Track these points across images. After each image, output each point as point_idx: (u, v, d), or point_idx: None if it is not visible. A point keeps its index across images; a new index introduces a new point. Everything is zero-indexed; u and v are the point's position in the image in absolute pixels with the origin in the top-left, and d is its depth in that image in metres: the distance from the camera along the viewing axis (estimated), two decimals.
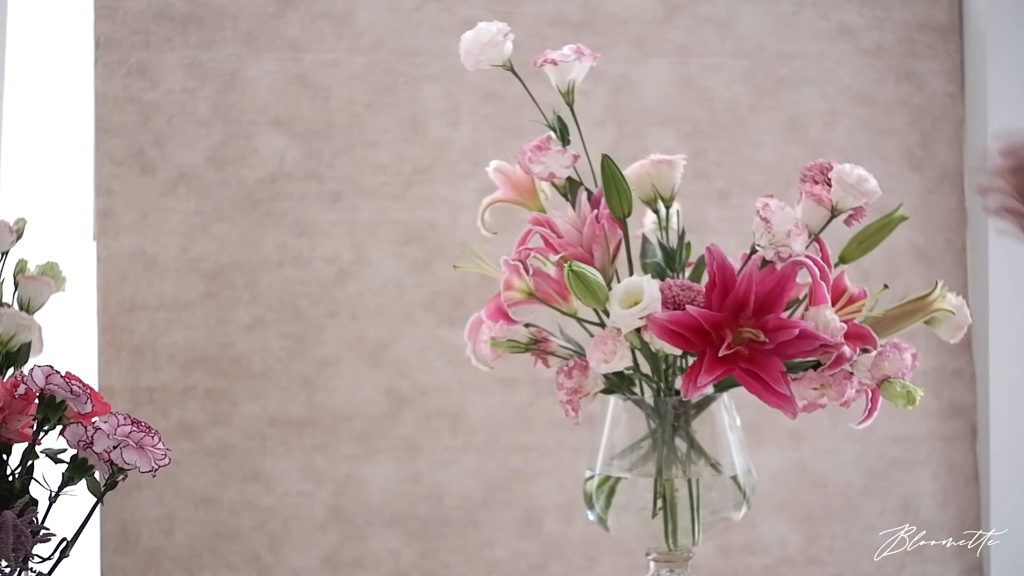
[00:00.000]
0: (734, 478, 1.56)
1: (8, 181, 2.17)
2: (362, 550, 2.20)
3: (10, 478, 1.30)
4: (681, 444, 1.55)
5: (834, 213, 1.50)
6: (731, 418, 1.57)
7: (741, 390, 1.49)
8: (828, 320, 1.44)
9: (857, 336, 1.47)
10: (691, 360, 1.47)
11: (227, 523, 2.18)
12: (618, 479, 1.55)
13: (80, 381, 1.29)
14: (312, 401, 2.19)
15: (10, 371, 1.37)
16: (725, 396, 1.56)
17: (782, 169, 2.25)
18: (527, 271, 1.51)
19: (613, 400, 1.58)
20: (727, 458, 1.56)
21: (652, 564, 1.57)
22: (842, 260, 1.55)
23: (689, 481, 1.54)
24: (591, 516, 1.58)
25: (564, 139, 1.57)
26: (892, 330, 1.53)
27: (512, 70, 1.57)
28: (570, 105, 1.59)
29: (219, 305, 2.19)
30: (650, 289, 1.44)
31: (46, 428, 1.29)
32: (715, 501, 1.55)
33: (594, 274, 1.47)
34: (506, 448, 2.20)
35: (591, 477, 1.58)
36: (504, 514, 2.21)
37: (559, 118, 1.57)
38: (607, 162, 1.50)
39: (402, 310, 2.20)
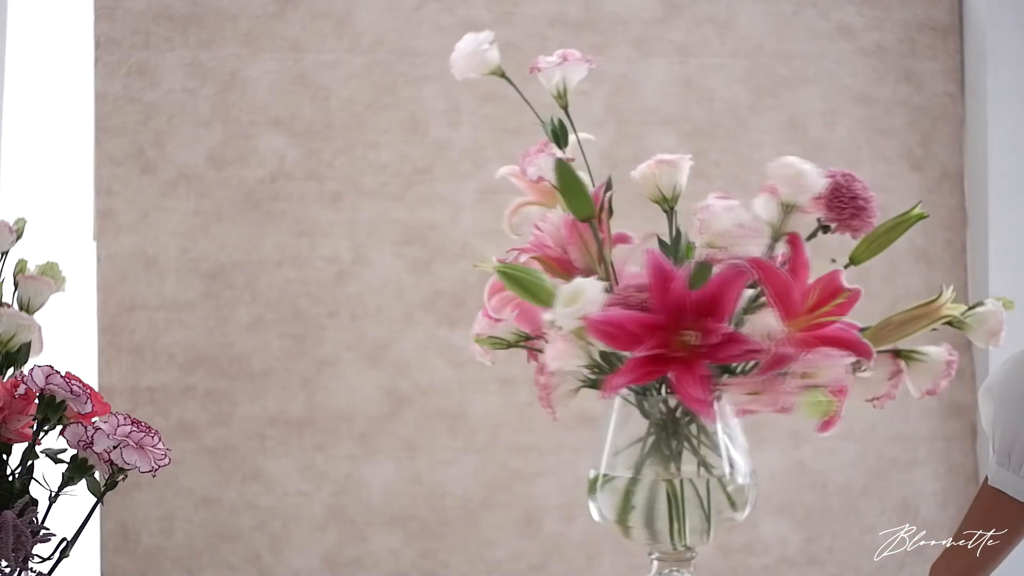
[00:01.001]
0: (737, 477, 1.56)
1: (8, 181, 2.17)
2: (362, 550, 2.20)
3: (10, 478, 1.30)
4: (685, 443, 1.55)
5: (785, 208, 1.47)
6: (732, 417, 1.57)
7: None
8: (766, 324, 1.41)
9: (837, 341, 1.43)
10: None
11: (227, 523, 2.18)
12: (621, 478, 1.55)
13: (80, 381, 1.29)
14: (312, 401, 2.19)
15: (10, 371, 1.37)
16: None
17: None
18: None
19: (617, 399, 1.57)
20: (729, 458, 1.55)
21: (655, 563, 1.57)
22: (852, 262, 1.53)
23: (685, 481, 1.54)
24: (595, 515, 1.58)
25: (560, 141, 1.56)
26: (896, 336, 1.51)
27: (504, 76, 1.56)
28: (564, 108, 1.58)
29: (219, 305, 2.19)
30: (591, 289, 1.44)
31: (46, 428, 1.29)
32: (717, 501, 1.55)
33: (532, 275, 1.46)
34: (506, 448, 2.20)
35: (595, 475, 1.58)
36: (504, 514, 2.21)
37: (559, 120, 1.56)
38: (560, 166, 1.49)
39: (402, 310, 2.20)
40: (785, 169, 1.45)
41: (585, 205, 1.50)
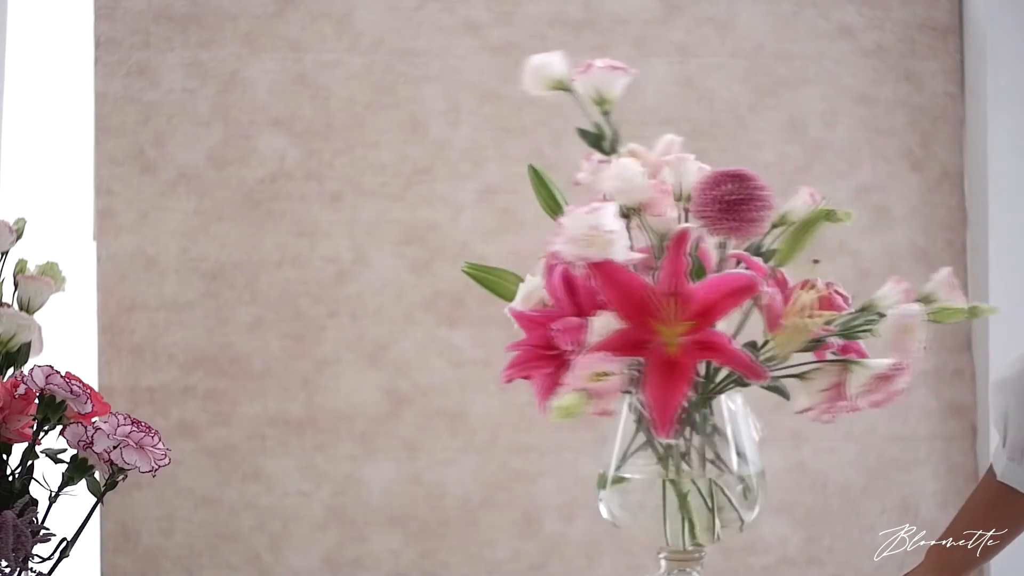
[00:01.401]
0: (747, 477, 1.56)
1: (8, 181, 2.17)
2: (362, 550, 2.19)
3: (10, 478, 1.30)
4: (694, 443, 1.55)
5: (627, 211, 1.47)
6: (744, 417, 1.57)
7: (753, 391, 1.49)
8: (604, 324, 1.42)
9: (715, 350, 1.41)
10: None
11: (227, 523, 2.18)
12: (632, 478, 1.56)
13: (80, 381, 1.29)
14: (312, 401, 2.19)
15: (10, 371, 1.37)
16: (739, 397, 1.56)
17: (782, 169, 2.25)
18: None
19: (628, 398, 1.57)
20: (740, 457, 1.56)
21: (664, 563, 1.57)
22: (777, 263, 1.50)
23: (692, 480, 1.54)
24: (605, 514, 1.58)
25: (603, 147, 1.58)
26: (791, 347, 1.44)
27: (567, 89, 1.56)
28: (605, 115, 1.58)
29: (219, 305, 2.19)
30: (524, 286, 1.46)
31: (46, 428, 1.29)
32: (727, 501, 1.55)
33: (495, 274, 1.49)
34: (506, 448, 2.20)
35: (606, 475, 1.58)
36: (504, 514, 2.21)
37: (597, 126, 1.58)
38: (529, 170, 1.49)
39: (402, 310, 2.20)
40: (613, 170, 1.46)
41: (554, 207, 1.50)
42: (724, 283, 1.40)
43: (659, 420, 1.40)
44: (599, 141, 1.55)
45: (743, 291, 1.40)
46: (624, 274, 1.41)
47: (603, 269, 1.40)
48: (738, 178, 1.44)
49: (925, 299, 1.47)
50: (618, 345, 1.40)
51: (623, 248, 1.41)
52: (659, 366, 1.40)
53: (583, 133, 1.54)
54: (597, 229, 1.41)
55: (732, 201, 1.43)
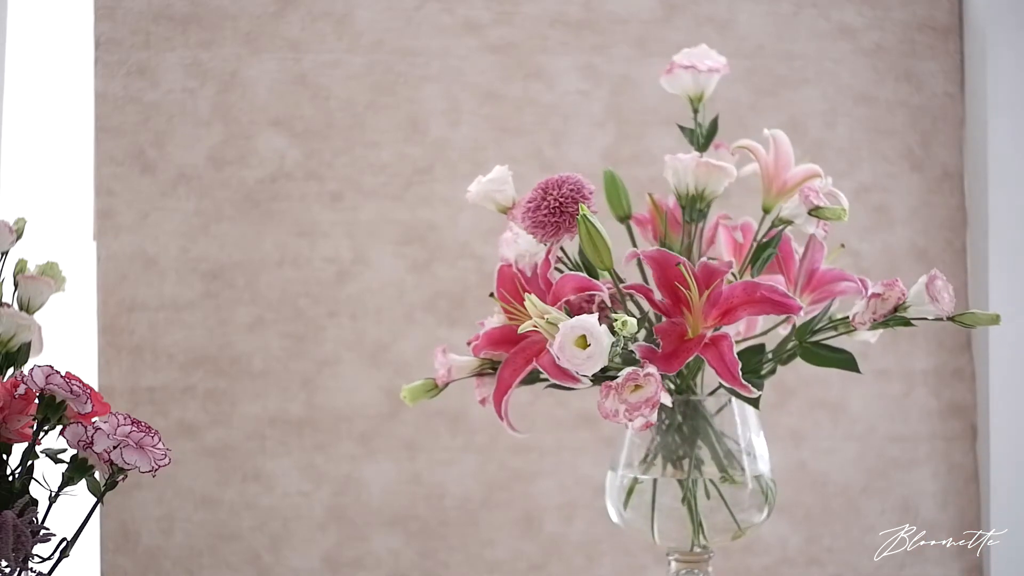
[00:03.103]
0: (759, 477, 1.56)
1: (8, 181, 2.17)
2: (362, 550, 2.20)
3: (10, 478, 1.30)
4: (701, 443, 1.56)
5: (500, 209, 1.60)
6: (754, 418, 1.57)
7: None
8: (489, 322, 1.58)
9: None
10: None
11: (227, 523, 2.18)
12: (638, 479, 1.56)
13: (80, 381, 1.29)
14: (312, 401, 2.19)
15: (10, 371, 1.37)
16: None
17: None
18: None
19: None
20: (747, 458, 1.56)
21: (673, 564, 1.58)
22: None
23: (699, 481, 1.55)
24: (613, 516, 1.59)
25: (698, 144, 1.62)
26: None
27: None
28: (695, 112, 1.66)
29: (219, 305, 2.19)
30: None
31: (46, 428, 1.29)
32: (737, 502, 1.56)
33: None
34: (506, 448, 2.20)
35: (614, 476, 1.59)
36: (504, 514, 2.21)
37: (700, 124, 1.65)
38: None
39: (402, 310, 2.20)
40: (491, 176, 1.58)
41: (619, 207, 1.56)
42: (558, 283, 1.52)
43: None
44: (695, 138, 1.64)
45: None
46: (508, 273, 1.52)
47: (500, 271, 1.57)
48: (556, 188, 1.55)
49: (903, 307, 1.51)
50: (498, 339, 1.54)
51: (514, 248, 1.56)
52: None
53: (682, 129, 1.62)
54: (508, 230, 1.56)
55: (543, 212, 1.55)
